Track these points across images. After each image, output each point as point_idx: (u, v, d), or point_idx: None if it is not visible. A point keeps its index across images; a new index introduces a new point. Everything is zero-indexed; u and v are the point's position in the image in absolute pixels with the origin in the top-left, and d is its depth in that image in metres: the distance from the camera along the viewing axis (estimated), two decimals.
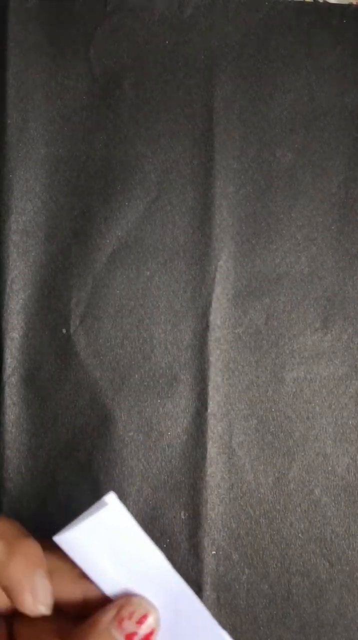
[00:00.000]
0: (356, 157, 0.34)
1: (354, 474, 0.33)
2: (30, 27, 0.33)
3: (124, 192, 0.33)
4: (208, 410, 0.33)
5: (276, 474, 0.33)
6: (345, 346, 0.34)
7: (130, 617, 0.19)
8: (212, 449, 0.33)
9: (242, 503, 0.33)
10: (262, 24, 0.34)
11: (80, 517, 0.20)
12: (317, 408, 0.33)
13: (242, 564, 0.33)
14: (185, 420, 0.33)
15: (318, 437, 0.33)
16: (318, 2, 0.35)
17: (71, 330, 0.33)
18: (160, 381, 0.33)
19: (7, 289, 0.33)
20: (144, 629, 0.19)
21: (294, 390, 0.33)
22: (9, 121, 0.33)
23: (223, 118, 0.34)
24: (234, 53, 0.34)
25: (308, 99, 0.34)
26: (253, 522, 0.33)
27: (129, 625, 0.18)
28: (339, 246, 0.34)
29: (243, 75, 0.34)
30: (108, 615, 0.19)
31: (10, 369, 0.32)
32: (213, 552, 0.32)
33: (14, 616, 0.22)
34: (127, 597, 0.19)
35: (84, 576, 0.20)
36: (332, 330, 0.34)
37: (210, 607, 0.32)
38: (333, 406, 0.33)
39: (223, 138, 0.34)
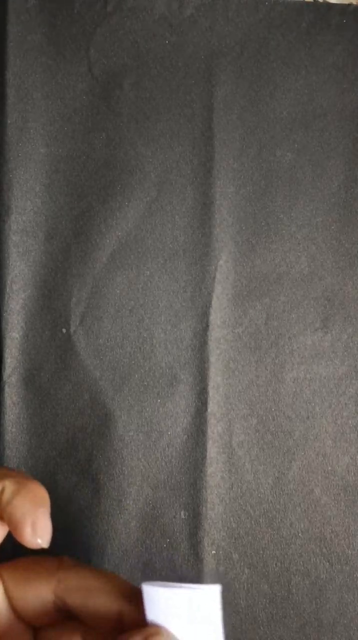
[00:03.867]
0: (356, 157, 0.34)
1: (354, 474, 0.33)
2: (30, 27, 0.33)
3: (124, 192, 0.33)
4: (208, 410, 0.33)
5: (276, 474, 0.33)
6: (345, 346, 0.34)
7: None
8: (212, 449, 0.33)
9: (241, 503, 0.33)
10: (262, 24, 0.34)
11: (177, 585, 0.20)
12: (317, 408, 0.33)
13: (242, 564, 0.33)
14: (185, 420, 0.33)
15: (318, 437, 0.33)
16: (318, 2, 0.35)
17: (71, 330, 0.33)
18: (160, 381, 0.33)
19: (7, 289, 0.33)
20: None
21: (294, 390, 0.33)
22: (9, 121, 0.33)
23: (223, 118, 0.34)
24: (234, 53, 0.34)
25: (308, 99, 0.34)
26: (253, 522, 0.33)
27: None
28: (339, 246, 0.34)
29: (243, 75, 0.34)
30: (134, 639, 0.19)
31: (10, 369, 0.32)
32: (213, 552, 0.32)
33: (40, 628, 0.23)
34: (156, 626, 0.19)
35: (124, 596, 0.21)
36: (332, 330, 0.34)
37: None
38: (333, 406, 0.33)
39: (223, 138, 0.34)
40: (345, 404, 0.33)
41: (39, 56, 0.33)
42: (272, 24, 0.34)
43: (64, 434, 0.32)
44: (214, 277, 0.33)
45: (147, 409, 0.33)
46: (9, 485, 0.21)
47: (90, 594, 0.21)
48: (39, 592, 0.22)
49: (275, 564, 0.33)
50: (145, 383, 0.33)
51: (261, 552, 0.33)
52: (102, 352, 0.33)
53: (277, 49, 0.34)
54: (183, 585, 0.20)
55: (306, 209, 0.34)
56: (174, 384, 0.33)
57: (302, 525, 0.33)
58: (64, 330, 0.33)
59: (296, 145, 0.34)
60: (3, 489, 0.21)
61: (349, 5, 0.35)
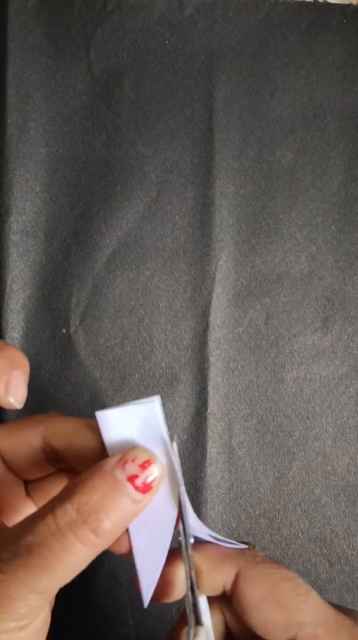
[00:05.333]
0: (356, 157, 0.34)
1: (354, 474, 0.33)
2: (30, 27, 0.33)
3: (124, 192, 0.33)
4: (208, 410, 0.33)
5: (276, 474, 0.33)
6: (345, 346, 0.34)
7: (133, 461, 0.20)
8: (212, 449, 0.33)
9: (241, 503, 0.33)
10: (262, 24, 0.34)
11: (125, 404, 0.22)
12: (317, 408, 0.33)
13: None
14: (185, 419, 0.33)
15: (318, 436, 0.33)
16: (318, 2, 0.35)
17: (71, 330, 0.33)
18: (160, 381, 0.33)
19: (7, 289, 0.33)
20: (146, 473, 0.20)
21: (294, 390, 0.33)
22: (9, 121, 0.33)
23: (223, 118, 0.34)
24: (234, 53, 0.34)
25: (308, 99, 0.34)
26: (253, 522, 0.33)
27: (131, 468, 0.19)
28: (339, 246, 0.34)
29: (243, 75, 0.34)
30: (113, 459, 0.20)
31: None
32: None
33: (30, 481, 0.24)
34: (133, 446, 0.21)
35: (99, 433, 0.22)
36: (332, 330, 0.34)
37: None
38: (333, 406, 0.33)
39: (223, 138, 0.34)
40: (345, 404, 0.33)
41: (39, 56, 0.33)
42: (272, 24, 0.34)
43: None
44: (214, 277, 0.33)
45: None
46: None
47: (75, 435, 0.22)
48: (27, 440, 0.23)
49: None
50: (145, 383, 0.33)
51: (261, 552, 0.33)
52: (102, 352, 0.33)
53: (277, 49, 0.34)
54: (129, 403, 0.21)
55: (306, 209, 0.34)
56: (174, 384, 0.33)
57: (302, 525, 0.33)
58: (64, 330, 0.33)
59: (296, 145, 0.34)
60: None
61: (349, 5, 0.35)
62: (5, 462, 0.23)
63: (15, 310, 0.33)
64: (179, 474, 0.21)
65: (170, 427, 0.33)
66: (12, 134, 0.33)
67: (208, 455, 0.32)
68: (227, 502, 0.33)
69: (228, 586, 0.21)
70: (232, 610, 0.21)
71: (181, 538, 0.21)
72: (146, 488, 0.19)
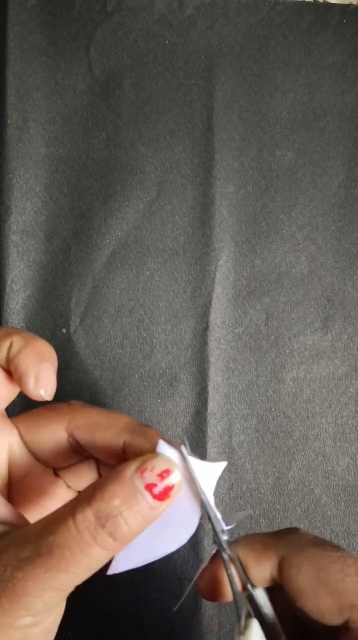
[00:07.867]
0: (356, 157, 0.34)
1: (354, 474, 0.33)
2: (30, 27, 0.33)
3: (124, 192, 0.33)
4: (208, 410, 0.33)
5: (276, 474, 0.33)
6: (345, 346, 0.34)
7: (152, 470, 0.20)
8: (212, 449, 0.33)
9: (241, 503, 0.33)
10: (262, 24, 0.34)
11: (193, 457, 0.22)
12: (317, 408, 0.33)
13: None
14: (185, 419, 0.33)
15: (318, 436, 0.33)
16: (318, 2, 0.35)
17: (71, 330, 0.33)
18: (160, 381, 0.33)
19: (7, 289, 0.33)
20: (164, 482, 0.20)
21: (294, 390, 0.33)
22: (9, 121, 0.33)
23: (223, 118, 0.34)
24: (234, 53, 0.34)
25: (308, 99, 0.34)
26: (253, 522, 0.33)
27: (150, 476, 0.20)
28: (339, 246, 0.34)
29: (243, 75, 0.34)
30: (133, 465, 0.20)
31: None
32: (213, 552, 0.32)
33: (60, 469, 0.25)
34: (154, 453, 0.21)
35: (128, 430, 0.23)
36: (332, 330, 0.34)
37: (210, 607, 0.32)
38: (333, 406, 0.33)
39: (223, 138, 0.34)
40: (345, 404, 0.33)
41: (39, 56, 0.33)
42: (272, 24, 0.34)
43: None
44: (214, 277, 0.33)
45: (147, 409, 0.33)
46: (16, 341, 0.22)
47: (97, 429, 0.23)
48: (52, 433, 0.24)
49: None
50: (145, 383, 0.33)
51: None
52: (102, 352, 0.33)
53: (277, 49, 0.34)
54: (196, 459, 0.21)
55: (306, 209, 0.34)
56: (174, 384, 0.33)
57: (302, 525, 0.33)
58: (64, 330, 0.33)
59: (296, 145, 0.34)
60: (11, 344, 0.22)
61: (349, 5, 0.35)
62: (34, 454, 0.24)
63: (15, 310, 0.33)
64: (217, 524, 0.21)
65: (170, 427, 0.33)
66: (12, 134, 0.33)
67: (208, 455, 0.32)
68: (227, 502, 0.33)
69: (275, 574, 0.21)
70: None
71: (215, 537, 0.22)
72: (163, 496, 0.20)
